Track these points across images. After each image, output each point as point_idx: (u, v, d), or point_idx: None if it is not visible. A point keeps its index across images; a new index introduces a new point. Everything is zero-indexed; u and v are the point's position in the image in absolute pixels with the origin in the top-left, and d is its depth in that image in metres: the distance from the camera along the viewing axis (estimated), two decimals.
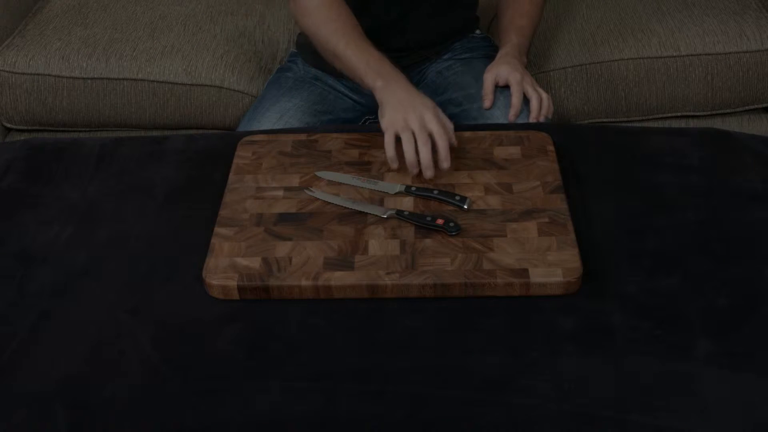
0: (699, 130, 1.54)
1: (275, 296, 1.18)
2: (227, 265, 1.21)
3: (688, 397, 1.04)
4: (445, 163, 1.36)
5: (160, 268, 1.24)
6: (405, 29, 1.76)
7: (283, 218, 1.29)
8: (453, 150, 1.38)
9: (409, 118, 1.38)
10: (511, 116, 1.58)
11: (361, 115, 1.79)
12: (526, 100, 1.60)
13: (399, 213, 1.28)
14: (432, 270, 1.19)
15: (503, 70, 1.62)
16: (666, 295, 1.17)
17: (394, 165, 1.37)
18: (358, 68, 1.52)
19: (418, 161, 1.36)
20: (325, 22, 1.59)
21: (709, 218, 1.29)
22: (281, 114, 1.70)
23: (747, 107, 2.07)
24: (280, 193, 1.34)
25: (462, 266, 1.19)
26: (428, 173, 1.35)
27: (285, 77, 1.81)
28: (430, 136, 1.36)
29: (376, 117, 1.81)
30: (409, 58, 1.79)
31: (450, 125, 1.41)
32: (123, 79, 1.99)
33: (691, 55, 1.99)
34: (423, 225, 1.26)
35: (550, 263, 1.19)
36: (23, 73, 2.00)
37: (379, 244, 1.24)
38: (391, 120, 1.40)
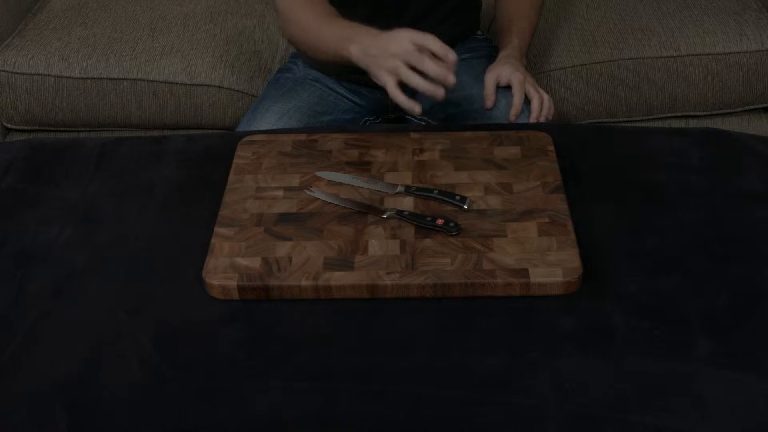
0: (699, 130, 1.54)
1: (275, 296, 1.18)
2: (227, 265, 1.21)
3: (688, 397, 1.04)
4: (451, 55, 1.31)
5: (160, 268, 1.24)
6: None
7: (283, 218, 1.29)
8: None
9: (393, 51, 1.32)
10: (512, 116, 1.58)
11: (360, 117, 1.78)
12: (526, 101, 1.60)
13: (399, 213, 1.28)
14: (432, 270, 1.19)
15: (505, 70, 1.62)
16: (666, 295, 1.17)
17: (418, 109, 1.35)
18: (334, 43, 1.48)
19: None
20: (301, 10, 1.57)
21: (709, 218, 1.29)
22: (281, 115, 1.69)
23: (747, 107, 2.07)
24: (280, 193, 1.34)
25: (462, 266, 1.19)
26: (450, 79, 1.31)
27: (285, 78, 1.81)
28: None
29: (376, 119, 1.81)
30: None
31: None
32: (123, 79, 1.99)
33: (691, 55, 1.99)
34: (423, 225, 1.26)
35: (550, 263, 1.19)
36: (23, 73, 2.00)
37: (379, 244, 1.23)
38: (382, 70, 1.34)
